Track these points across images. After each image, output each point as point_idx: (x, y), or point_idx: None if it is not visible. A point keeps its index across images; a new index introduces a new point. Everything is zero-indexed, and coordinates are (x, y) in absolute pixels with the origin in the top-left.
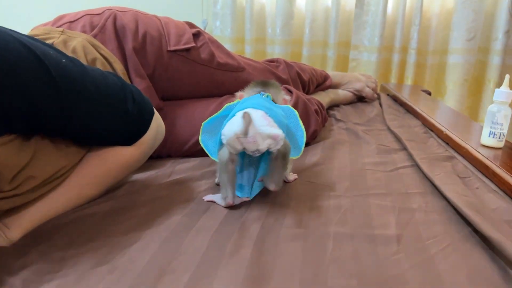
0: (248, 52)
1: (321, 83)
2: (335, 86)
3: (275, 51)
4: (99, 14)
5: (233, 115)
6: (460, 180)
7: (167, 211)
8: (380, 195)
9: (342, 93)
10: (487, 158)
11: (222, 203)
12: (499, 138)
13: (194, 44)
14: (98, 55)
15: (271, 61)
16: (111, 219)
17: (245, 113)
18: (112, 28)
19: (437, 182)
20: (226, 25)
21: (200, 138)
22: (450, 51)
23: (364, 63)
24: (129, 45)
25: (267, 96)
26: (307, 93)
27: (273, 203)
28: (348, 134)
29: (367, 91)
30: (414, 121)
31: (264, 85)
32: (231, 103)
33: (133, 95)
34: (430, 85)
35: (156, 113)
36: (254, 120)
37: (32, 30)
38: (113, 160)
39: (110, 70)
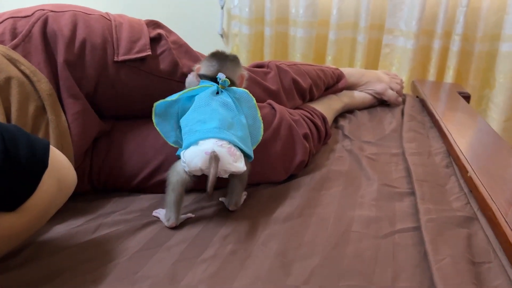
0: (268, 34)
1: (333, 84)
2: (351, 87)
3: (298, 34)
4: (27, 16)
5: (190, 127)
6: (472, 273)
7: None
8: None
9: (359, 96)
10: None
11: (165, 223)
12: None
13: (148, 53)
14: (14, 73)
15: (261, 65)
16: None
17: (213, 154)
18: (39, 36)
19: (437, 279)
20: (244, 4)
21: (153, 120)
22: (503, 37)
23: (399, 50)
24: (60, 57)
25: (224, 82)
26: (310, 100)
27: None
28: (349, 162)
29: (390, 95)
30: (437, 144)
31: (220, 59)
32: (187, 90)
33: (6, 144)
34: (477, 77)
35: (58, 162)
36: (221, 159)
37: None
38: None
39: (31, 91)
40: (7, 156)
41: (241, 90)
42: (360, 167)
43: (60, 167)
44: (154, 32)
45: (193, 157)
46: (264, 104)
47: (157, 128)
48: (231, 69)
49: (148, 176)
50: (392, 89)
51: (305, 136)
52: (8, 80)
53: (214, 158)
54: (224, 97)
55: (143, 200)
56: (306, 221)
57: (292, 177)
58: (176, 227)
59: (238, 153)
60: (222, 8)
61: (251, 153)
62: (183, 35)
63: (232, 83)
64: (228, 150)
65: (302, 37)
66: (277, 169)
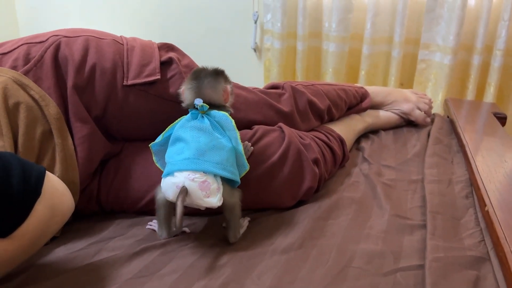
0: (300, 49)
1: (356, 104)
2: (377, 106)
3: (330, 48)
4: (41, 42)
5: (173, 145)
6: None
7: None
8: None
9: (385, 116)
10: None
11: (160, 236)
12: None
13: (158, 77)
14: (23, 98)
15: (276, 87)
16: None
17: (182, 189)
18: (51, 61)
19: None
20: (277, 19)
21: (154, 159)
22: None
23: (435, 66)
24: (70, 82)
25: (202, 107)
26: (330, 121)
27: None
28: (363, 188)
29: (417, 115)
30: (461, 171)
31: (197, 80)
32: (168, 128)
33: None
34: None
35: (52, 189)
36: (190, 193)
37: None
38: None
39: (39, 115)
40: (8, 188)
41: (220, 114)
42: (374, 194)
43: (55, 194)
44: (166, 56)
45: (166, 188)
46: (275, 127)
47: (157, 166)
48: (210, 87)
49: (153, 199)
50: (419, 109)
51: (315, 161)
52: (16, 105)
53: (182, 193)
54: (199, 122)
55: (146, 224)
56: (306, 253)
57: (300, 203)
58: (174, 254)
59: (214, 186)
60: (255, 22)
61: (234, 177)
62: (217, 50)
63: (212, 104)
64: (200, 185)
65: (334, 51)
66: (283, 195)
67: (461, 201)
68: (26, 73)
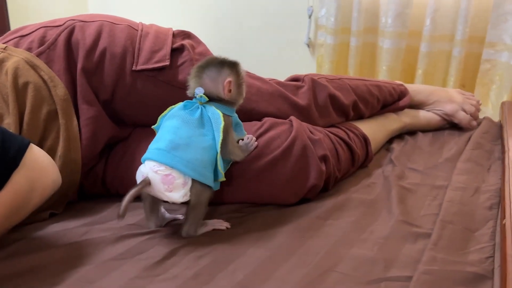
0: (354, 44)
1: (392, 102)
2: (418, 106)
3: (385, 45)
4: (57, 26)
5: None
6: None
7: None
8: None
9: (425, 116)
10: None
11: (148, 227)
12: None
13: (166, 63)
14: (33, 79)
15: (296, 79)
16: None
17: (145, 178)
18: (63, 45)
19: None
20: (331, 13)
21: None
22: None
23: (501, 66)
24: (79, 65)
25: (201, 98)
26: (360, 118)
27: None
28: (378, 191)
29: (461, 117)
30: (493, 179)
31: (199, 69)
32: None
33: None
34: None
35: (34, 163)
36: (152, 185)
37: None
38: None
39: (47, 95)
40: None
41: (215, 112)
42: (387, 197)
43: (36, 168)
44: (178, 43)
45: (137, 175)
46: (284, 120)
47: None
48: (209, 78)
49: None
50: (465, 111)
51: (323, 158)
52: (25, 84)
53: (142, 183)
54: (188, 114)
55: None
56: (291, 252)
57: (304, 201)
58: (158, 241)
59: (179, 181)
60: (309, 17)
61: (202, 179)
62: (271, 45)
63: (212, 96)
64: (163, 178)
65: (390, 48)
66: (285, 191)
67: (482, 212)
68: (39, 55)
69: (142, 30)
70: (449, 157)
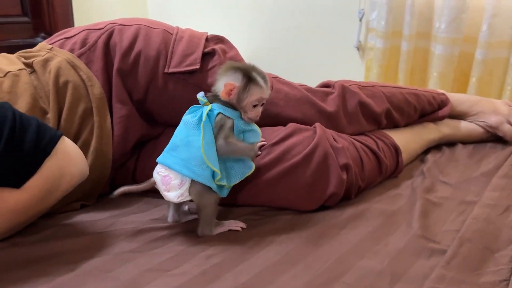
0: (405, 49)
1: (431, 111)
2: (460, 116)
3: (436, 51)
4: (99, 29)
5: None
6: None
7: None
8: None
9: (466, 128)
10: None
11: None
12: None
13: (197, 67)
14: (73, 78)
15: (327, 85)
16: None
17: (150, 179)
18: (102, 47)
19: None
20: (381, 17)
21: None
22: None
23: None
24: (115, 66)
25: (200, 100)
26: (395, 126)
27: None
28: (403, 202)
29: (506, 130)
30: None
31: (222, 71)
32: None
33: (14, 132)
34: None
35: (65, 154)
36: (157, 184)
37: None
38: None
39: (84, 94)
40: (11, 142)
41: (214, 112)
42: (410, 210)
43: (66, 158)
44: (210, 47)
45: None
46: (309, 127)
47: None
48: (216, 78)
49: None
50: (511, 123)
51: (345, 167)
52: (66, 83)
53: (149, 182)
54: (190, 116)
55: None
56: (299, 258)
57: (323, 208)
58: (175, 238)
59: (175, 182)
60: (360, 20)
61: (195, 177)
62: (320, 47)
63: (214, 97)
64: (162, 179)
65: (442, 54)
66: (303, 198)
67: (508, 232)
68: (80, 56)
69: (177, 34)
70: (485, 171)
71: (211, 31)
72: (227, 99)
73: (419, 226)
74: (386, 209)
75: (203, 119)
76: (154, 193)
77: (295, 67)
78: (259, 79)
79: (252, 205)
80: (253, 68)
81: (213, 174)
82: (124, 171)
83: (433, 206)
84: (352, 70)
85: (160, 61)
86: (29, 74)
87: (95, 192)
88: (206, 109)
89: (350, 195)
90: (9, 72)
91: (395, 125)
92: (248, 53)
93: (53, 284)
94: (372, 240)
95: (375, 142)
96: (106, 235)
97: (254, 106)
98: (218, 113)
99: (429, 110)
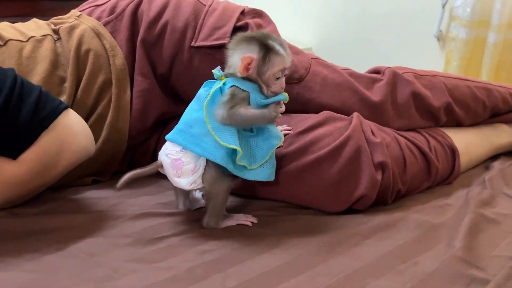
0: (492, 41)
1: (506, 111)
2: None
3: None
4: None
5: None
6: None
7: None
8: None
9: None
10: None
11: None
12: None
13: (225, 41)
14: (95, 46)
15: (376, 71)
16: None
17: (157, 161)
18: (129, 15)
19: None
20: (467, 3)
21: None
22: None
23: None
24: (140, 36)
25: (215, 74)
26: (458, 125)
27: None
28: (449, 215)
29: None
30: None
31: (236, 43)
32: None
33: (11, 102)
34: None
35: (66, 128)
36: (164, 168)
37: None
38: None
39: (105, 64)
40: (5, 110)
41: (225, 85)
42: (457, 225)
43: (67, 132)
44: (243, 21)
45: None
46: (345, 116)
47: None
48: (230, 55)
49: None
50: None
51: (381, 165)
52: (87, 51)
53: (155, 163)
54: (203, 90)
55: None
56: (304, 268)
57: (350, 211)
58: (174, 226)
59: (189, 167)
60: (443, 7)
61: (205, 154)
62: (396, 34)
63: (230, 72)
64: (172, 162)
65: None
66: (327, 197)
67: None
68: (106, 24)
69: (210, 6)
70: None
71: (279, 13)
72: (244, 74)
73: (462, 246)
74: (426, 220)
75: (209, 96)
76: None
77: (366, 55)
78: (278, 47)
79: (269, 198)
80: (268, 36)
81: (234, 154)
82: (143, 149)
83: (488, 223)
84: (430, 62)
85: (188, 33)
86: (55, 40)
87: (109, 168)
88: (218, 83)
89: (386, 199)
90: (32, 37)
91: (458, 124)
92: (316, 39)
93: (35, 263)
94: (399, 257)
95: (427, 140)
96: (105, 216)
97: (277, 78)
98: (232, 86)
99: (504, 109)
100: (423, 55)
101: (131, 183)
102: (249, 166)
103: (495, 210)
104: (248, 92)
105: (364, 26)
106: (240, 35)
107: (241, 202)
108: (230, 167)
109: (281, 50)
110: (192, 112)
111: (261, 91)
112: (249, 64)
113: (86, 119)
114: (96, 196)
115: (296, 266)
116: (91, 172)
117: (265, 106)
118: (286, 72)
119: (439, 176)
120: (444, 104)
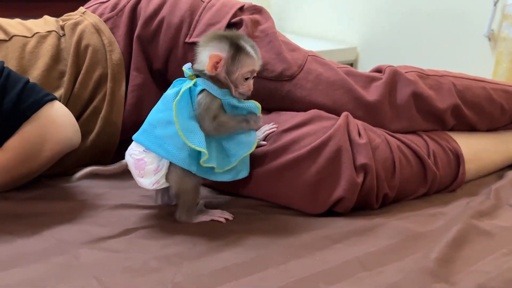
0: None
1: None
2: None
3: None
4: None
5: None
6: None
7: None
8: None
9: None
10: None
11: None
12: None
13: None
14: (93, 41)
15: (378, 70)
16: None
17: (121, 161)
18: (129, 12)
19: None
20: None
21: None
22: None
23: None
24: (136, 32)
25: (185, 73)
26: (471, 129)
27: None
28: (438, 225)
29: None
30: None
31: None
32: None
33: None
34: None
35: (49, 119)
36: (129, 168)
37: None
38: None
39: (102, 59)
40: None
41: (197, 90)
42: (441, 236)
43: (50, 124)
44: (238, 18)
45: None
46: (333, 116)
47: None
48: (199, 52)
49: None
50: None
51: (363, 168)
52: (86, 47)
53: (119, 164)
54: (170, 89)
55: None
56: (259, 269)
57: (331, 214)
58: (149, 221)
59: (151, 167)
60: (495, 5)
61: (168, 157)
62: (443, 33)
63: (199, 69)
64: (136, 162)
65: None
66: (306, 198)
67: None
68: (107, 20)
69: (208, 2)
70: None
71: (323, 11)
72: (213, 73)
73: (436, 257)
74: (409, 228)
75: (178, 95)
76: None
77: (412, 55)
78: (248, 48)
79: (248, 196)
80: (240, 36)
81: (199, 155)
82: None
83: (478, 236)
84: (480, 63)
85: (183, 30)
86: (60, 36)
87: (103, 160)
88: (187, 84)
89: (371, 203)
90: (37, 33)
91: (471, 128)
92: (361, 38)
93: (7, 244)
94: (365, 264)
95: (426, 144)
96: (88, 204)
97: (246, 79)
98: (202, 90)
99: None
100: (473, 56)
101: (92, 177)
102: (218, 168)
103: (493, 222)
104: (220, 99)
105: (411, 25)
106: (212, 32)
107: (225, 199)
108: (193, 169)
109: (251, 52)
110: (157, 112)
111: (230, 93)
112: (217, 62)
113: (82, 112)
114: (86, 185)
115: (252, 265)
116: (88, 162)
117: (237, 108)
118: (255, 74)
119: (439, 182)
120: (450, 106)
